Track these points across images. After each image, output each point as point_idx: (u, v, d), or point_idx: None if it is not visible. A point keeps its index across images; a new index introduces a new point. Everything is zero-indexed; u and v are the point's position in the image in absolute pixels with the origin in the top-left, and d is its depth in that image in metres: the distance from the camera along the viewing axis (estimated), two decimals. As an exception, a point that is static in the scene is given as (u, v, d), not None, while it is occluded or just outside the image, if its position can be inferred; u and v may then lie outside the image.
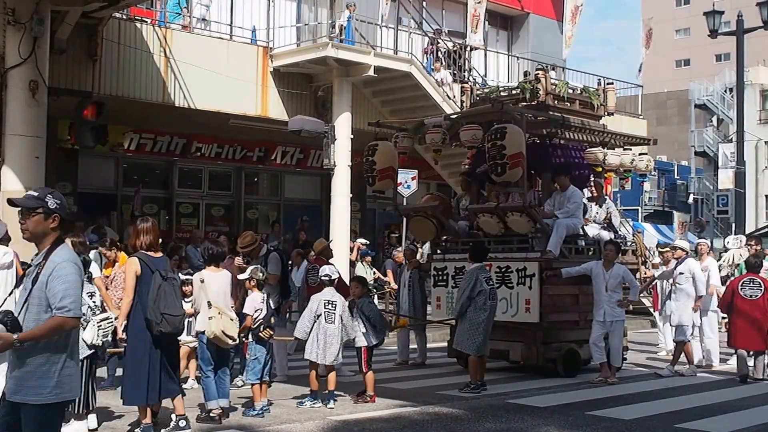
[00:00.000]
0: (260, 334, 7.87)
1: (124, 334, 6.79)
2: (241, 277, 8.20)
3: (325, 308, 8.28)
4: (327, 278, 8.50)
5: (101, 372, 8.56)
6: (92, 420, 7.09)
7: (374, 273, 15.43)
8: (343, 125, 15.91)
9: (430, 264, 11.66)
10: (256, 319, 7.86)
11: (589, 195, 11.73)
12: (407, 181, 17.24)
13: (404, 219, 15.30)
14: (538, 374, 10.57)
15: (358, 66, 15.74)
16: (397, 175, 12.12)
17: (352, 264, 15.46)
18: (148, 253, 6.83)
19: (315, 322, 8.27)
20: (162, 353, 6.73)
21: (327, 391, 8.33)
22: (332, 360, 8.36)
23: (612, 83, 12.93)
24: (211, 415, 7.52)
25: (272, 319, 8.10)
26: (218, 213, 19.27)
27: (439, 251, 11.77)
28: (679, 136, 45.59)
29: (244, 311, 7.90)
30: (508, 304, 10.47)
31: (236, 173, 19.41)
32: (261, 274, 8.09)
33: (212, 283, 7.49)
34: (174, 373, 6.93)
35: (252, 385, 7.94)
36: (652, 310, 15.24)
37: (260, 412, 7.80)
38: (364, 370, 8.59)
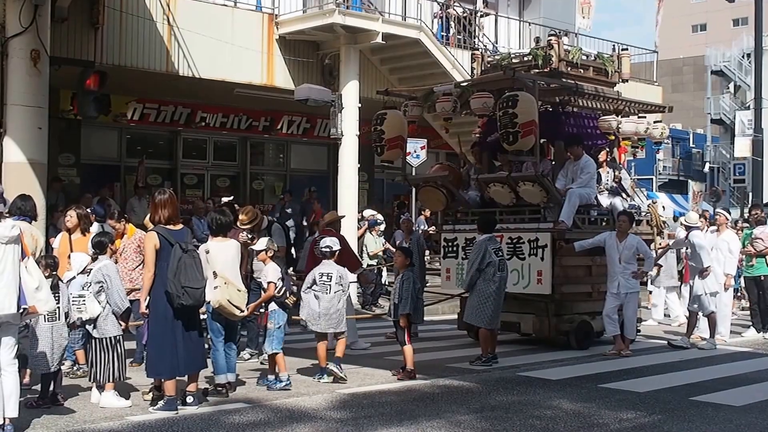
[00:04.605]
0: (285, 301, 7.87)
1: (147, 309, 6.80)
2: (255, 248, 8.18)
3: (319, 279, 8.21)
4: (328, 249, 8.39)
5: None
6: (95, 395, 7.07)
7: (384, 243, 15.25)
8: (350, 94, 15.67)
9: (440, 234, 11.50)
10: (278, 287, 7.83)
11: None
12: (416, 151, 17.06)
13: (413, 189, 15.10)
14: (550, 347, 10.49)
15: (366, 33, 15.45)
16: (406, 144, 11.93)
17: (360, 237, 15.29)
18: (167, 226, 6.81)
19: (310, 293, 8.19)
20: (184, 326, 6.75)
21: (335, 357, 8.24)
22: (334, 329, 8.25)
23: (626, 49, 12.66)
24: (218, 389, 7.44)
25: (294, 288, 8.05)
26: (223, 184, 19.08)
27: (449, 222, 11.59)
28: (695, 104, 44.92)
29: (268, 279, 7.88)
30: (520, 276, 10.34)
31: (241, 143, 19.21)
32: (275, 246, 8.13)
33: (219, 254, 7.41)
34: (198, 346, 6.94)
35: (275, 354, 7.85)
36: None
37: (287, 383, 7.77)
38: (407, 343, 8.43)
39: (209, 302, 7.32)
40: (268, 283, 7.90)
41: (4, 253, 5.82)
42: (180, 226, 6.98)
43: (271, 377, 7.90)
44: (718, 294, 11.29)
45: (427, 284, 12.94)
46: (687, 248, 11.21)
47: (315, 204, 15.83)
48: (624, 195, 11.39)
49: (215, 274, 7.30)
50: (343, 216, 10.79)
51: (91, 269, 7.26)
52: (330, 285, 8.21)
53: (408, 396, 7.59)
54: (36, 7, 11.17)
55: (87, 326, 7.03)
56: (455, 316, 11.72)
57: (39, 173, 11.29)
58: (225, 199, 14.22)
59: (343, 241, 9.26)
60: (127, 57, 14.09)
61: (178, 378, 6.83)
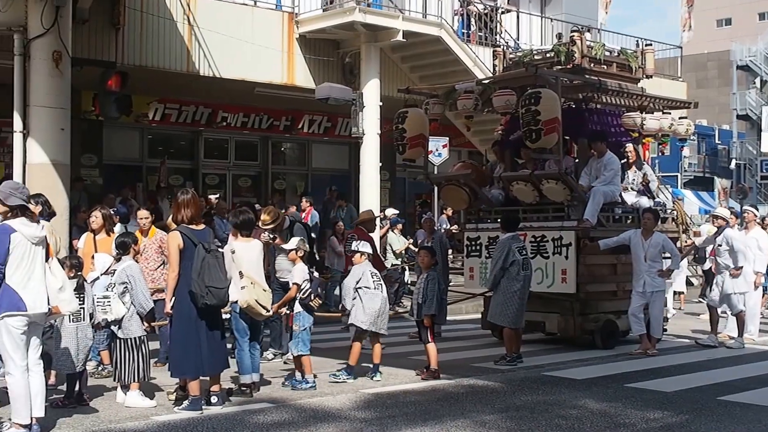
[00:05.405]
0: (310, 303, 7.88)
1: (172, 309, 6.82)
2: (287, 247, 8.19)
3: (372, 278, 8.24)
4: (371, 253, 8.52)
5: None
6: (120, 395, 7.10)
7: (406, 242, 15.20)
8: (371, 92, 15.64)
9: (463, 233, 11.43)
10: (303, 289, 7.82)
11: (624, 161, 11.38)
12: (438, 149, 16.97)
13: (436, 188, 15.03)
14: (575, 346, 10.38)
15: (387, 31, 15.42)
16: (427, 142, 11.87)
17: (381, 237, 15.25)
18: (190, 226, 6.81)
19: (360, 291, 8.20)
20: (208, 326, 6.76)
21: (373, 365, 8.30)
22: (385, 330, 8.32)
23: (650, 45, 12.51)
24: (242, 389, 7.43)
25: (318, 289, 8.04)
26: (245, 184, 19.11)
27: (472, 221, 11.52)
28: (720, 99, 44.35)
29: (294, 281, 7.88)
30: (544, 275, 10.25)
31: (263, 143, 19.22)
32: (307, 246, 8.14)
33: (244, 254, 7.41)
34: (221, 346, 6.95)
35: (302, 356, 7.84)
36: (694, 280, 14.92)
37: (313, 384, 7.77)
38: (430, 341, 8.40)
39: (236, 302, 7.32)
40: (293, 284, 7.89)
41: (34, 253, 5.88)
42: (202, 226, 6.99)
43: (298, 376, 7.89)
44: (747, 292, 11.13)
45: (450, 283, 12.89)
46: (719, 245, 11.00)
47: (303, 202, 15.62)
48: (649, 195, 11.26)
49: (241, 274, 7.29)
50: (378, 216, 10.74)
51: (114, 270, 7.27)
52: (381, 284, 8.31)
53: (432, 396, 7.54)
54: (57, 9, 11.19)
55: (112, 327, 7.05)
56: (479, 316, 11.65)
57: (62, 174, 11.33)
58: (212, 197, 14.27)
59: (371, 242, 9.26)
60: (148, 57, 14.14)
61: (201, 378, 6.83)
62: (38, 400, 5.90)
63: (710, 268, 13.07)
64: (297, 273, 7.91)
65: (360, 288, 8.19)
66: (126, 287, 7.03)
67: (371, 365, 8.36)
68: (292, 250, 8.04)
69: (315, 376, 7.90)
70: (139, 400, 6.94)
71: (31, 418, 5.84)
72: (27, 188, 6.21)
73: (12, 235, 5.77)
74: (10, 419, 5.89)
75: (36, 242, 5.89)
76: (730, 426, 6.50)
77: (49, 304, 5.97)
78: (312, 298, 7.92)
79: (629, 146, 11.23)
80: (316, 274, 8.64)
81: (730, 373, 8.91)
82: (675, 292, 14.10)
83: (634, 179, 11.26)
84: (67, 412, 6.68)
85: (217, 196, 14.77)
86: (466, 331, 12.14)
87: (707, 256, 13.04)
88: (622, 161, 11.06)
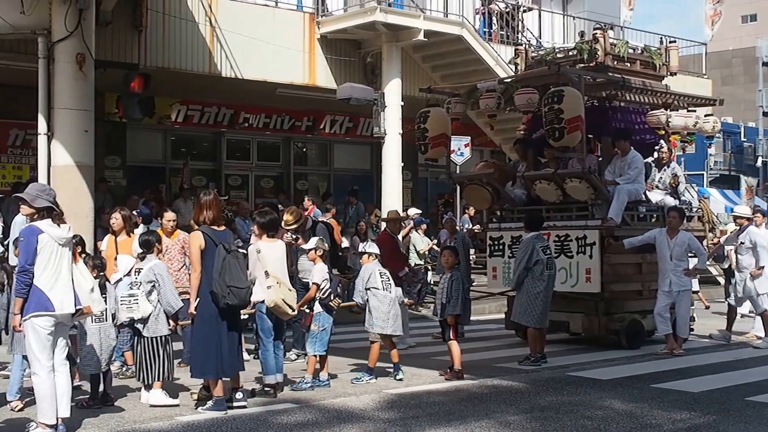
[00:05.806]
0: (330, 303, 7.87)
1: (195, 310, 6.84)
2: (306, 247, 8.22)
3: (381, 278, 8.21)
4: (375, 254, 8.45)
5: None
6: (144, 395, 7.11)
7: (429, 243, 15.14)
8: (393, 92, 15.63)
9: (485, 233, 11.38)
10: (323, 288, 7.82)
11: (655, 158, 11.26)
12: (460, 149, 16.94)
13: (458, 187, 14.96)
14: (600, 346, 10.30)
15: (408, 30, 15.42)
16: (449, 142, 11.83)
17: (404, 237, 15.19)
18: (212, 227, 6.85)
19: (369, 292, 8.17)
20: (228, 327, 6.77)
21: (394, 364, 8.28)
22: (401, 330, 8.31)
23: (674, 42, 12.37)
24: (266, 389, 7.44)
25: (338, 289, 8.05)
26: (267, 184, 19.17)
27: (494, 220, 11.46)
28: (746, 96, 43.85)
29: (313, 281, 7.91)
30: (568, 274, 10.17)
31: (285, 143, 19.28)
32: (326, 245, 8.13)
33: (269, 254, 7.43)
34: (238, 348, 6.97)
35: (318, 356, 7.86)
36: (721, 279, 14.73)
37: (312, 384, 7.76)
38: (452, 338, 8.36)
39: (262, 302, 7.33)
40: (312, 283, 7.89)
41: (61, 254, 5.95)
42: (223, 228, 7.02)
43: (323, 376, 7.89)
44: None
45: (473, 283, 12.83)
46: (741, 242, 10.88)
47: (306, 201, 15.57)
48: (674, 195, 11.15)
49: (267, 274, 7.31)
50: (405, 217, 10.70)
51: (140, 269, 7.31)
52: (390, 284, 8.27)
53: (456, 396, 7.51)
54: (81, 12, 11.27)
55: (137, 325, 7.06)
56: (502, 316, 11.58)
57: (86, 176, 11.42)
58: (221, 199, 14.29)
59: (390, 244, 9.21)
60: (171, 59, 14.22)
61: (223, 378, 6.83)
62: (64, 401, 5.95)
63: (729, 266, 12.91)
64: (316, 273, 7.93)
65: (369, 289, 8.17)
66: (154, 286, 7.05)
67: (392, 365, 8.33)
68: (311, 249, 8.05)
69: (335, 376, 7.88)
70: (163, 398, 6.96)
71: (57, 419, 5.89)
72: (53, 190, 6.27)
73: (39, 236, 5.86)
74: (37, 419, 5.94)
75: (63, 243, 5.96)
76: (759, 427, 6.42)
77: (81, 304, 6.05)
78: (332, 297, 7.92)
79: (664, 146, 11.12)
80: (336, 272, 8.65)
81: (758, 373, 8.79)
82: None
83: (661, 177, 11.15)
84: (93, 412, 6.73)
85: (225, 198, 14.77)
86: (489, 331, 12.08)
87: (725, 254, 12.88)
88: (647, 159, 10.94)
